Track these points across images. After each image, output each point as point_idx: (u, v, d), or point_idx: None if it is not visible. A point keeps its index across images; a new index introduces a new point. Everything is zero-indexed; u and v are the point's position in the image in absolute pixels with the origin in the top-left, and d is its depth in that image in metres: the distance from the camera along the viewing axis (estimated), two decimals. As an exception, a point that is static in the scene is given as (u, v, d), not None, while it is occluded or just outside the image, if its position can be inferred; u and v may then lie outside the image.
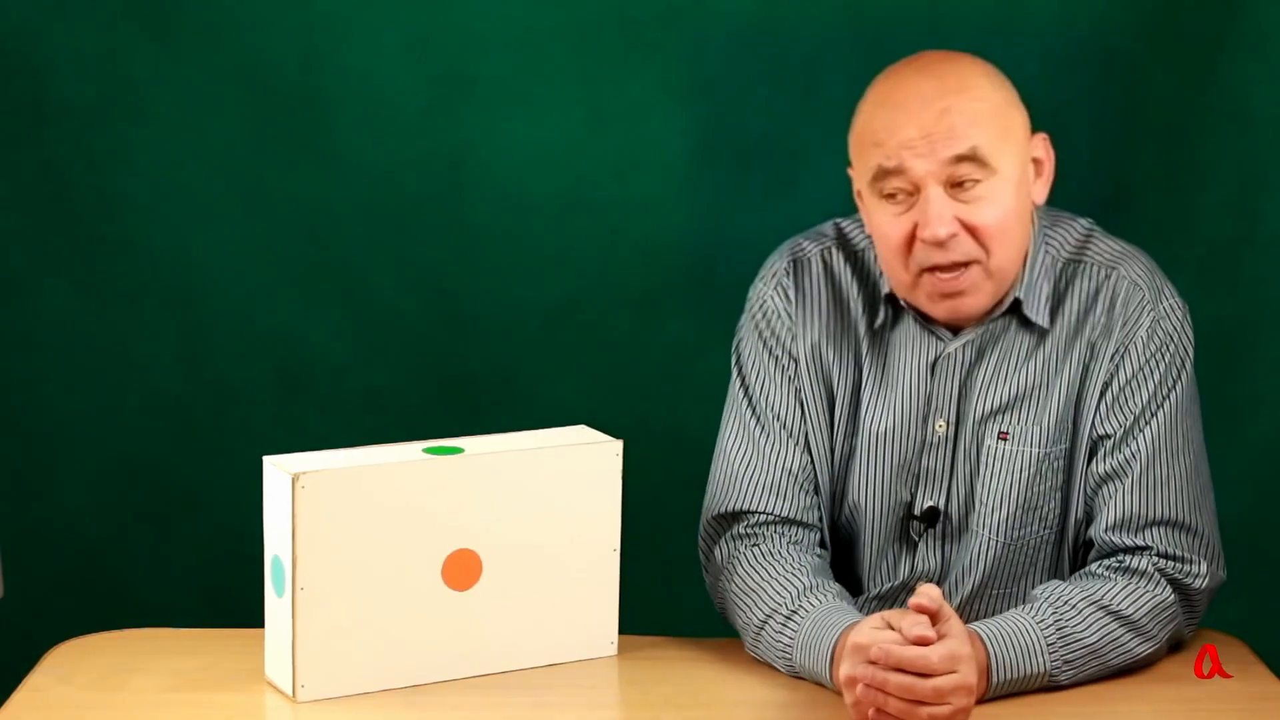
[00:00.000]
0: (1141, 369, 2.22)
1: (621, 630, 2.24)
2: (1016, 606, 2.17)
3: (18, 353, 2.83)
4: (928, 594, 2.00)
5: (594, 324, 2.82)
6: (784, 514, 2.27)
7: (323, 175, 2.77)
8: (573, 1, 2.72)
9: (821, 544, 2.31)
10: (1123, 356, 2.22)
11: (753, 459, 2.29)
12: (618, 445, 2.20)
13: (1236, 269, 2.75)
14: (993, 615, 2.18)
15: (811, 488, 2.29)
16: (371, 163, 2.77)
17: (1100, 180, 2.73)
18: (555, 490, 2.17)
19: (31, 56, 2.73)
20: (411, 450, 2.13)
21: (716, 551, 2.28)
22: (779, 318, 2.30)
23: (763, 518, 2.27)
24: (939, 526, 2.28)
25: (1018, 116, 2.19)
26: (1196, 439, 2.26)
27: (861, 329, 2.29)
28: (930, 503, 2.27)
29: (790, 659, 2.15)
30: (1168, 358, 2.22)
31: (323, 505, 2.05)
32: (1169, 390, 2.22)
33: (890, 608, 2.30)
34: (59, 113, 2.75)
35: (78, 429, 2.86)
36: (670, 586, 2.67)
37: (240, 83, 2.74)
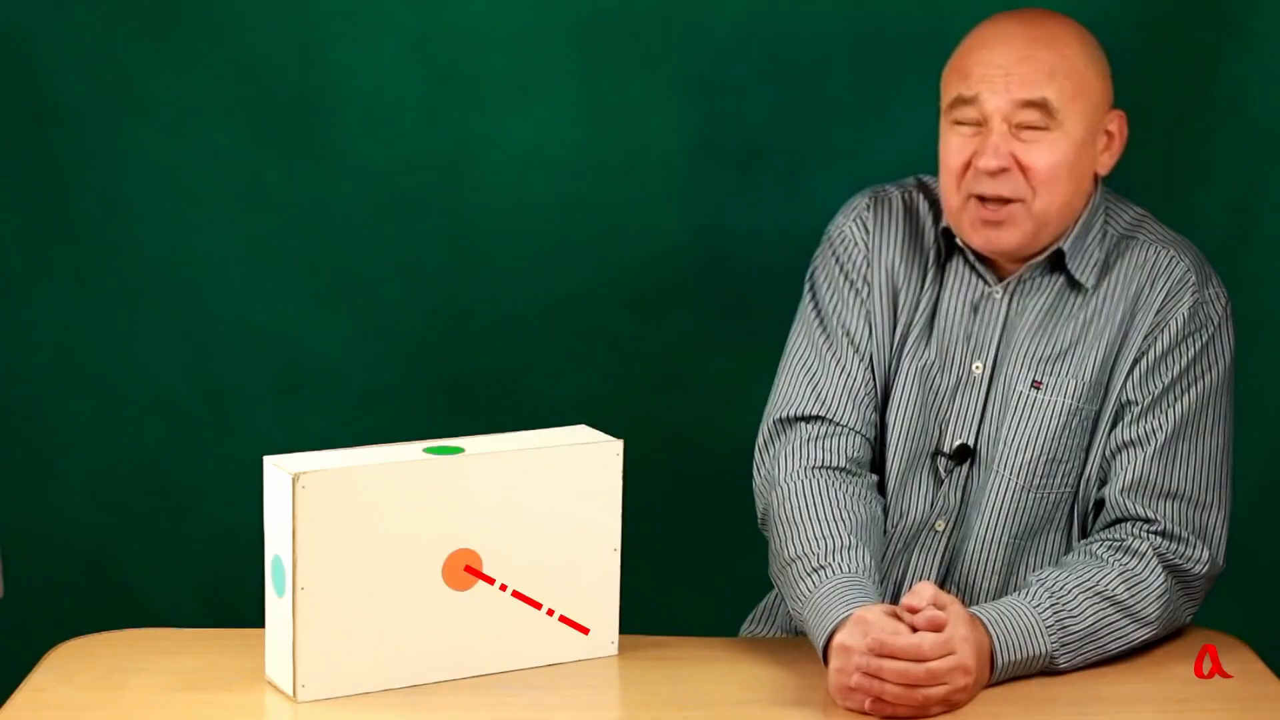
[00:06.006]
0: (1177, 346, 2.28)
1: (621, 630, 2.24)
2: (1015, 592, 2.21)
3: (18, 353, 2.83)
4: (919, 594, 2.09)
5: (594, 324, 2.82)
6: (844, 423, 2.32)
7: (323, 175, 2.77)
8: (573, 1, 2.72)
9: (873, 467, 2.36)
10: (1161, 330, 2.29)
11: (817, 369, 2.35)
12: (618, 445, 2.20)
13: (1236, 269, 2.75)
14: (1011, 571, 2.30)
15: (871, 405, 2.35)
16: (371, 163, 2.77)
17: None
18: (555, 490, 2.17)
19: (31, 56, 2.73)
20: (411, 450, 2.13)
21: (769, 456, 2.33)
22: (856, 246, 2.38)
23: (823, 427, 2.32)
24: (964, 465, 2.33)
25: (1097, 84, 2.30)
26: (1224, 433, 2.31)
27: (930, 261, 2.37)
28: (960, 440, 2.33)
29: (800, 608, 2.19)
30: (1204, 340, 2.29)
31: (323, 505, 2.05)
32: (1203, 372, 2.28)
33: (913, 553, 2.35)
34: (59, 113, 2.75)
35: (78, 429, 2.86)
36: (670, 586, 2.67)
37: (240, 83, 2.74)
